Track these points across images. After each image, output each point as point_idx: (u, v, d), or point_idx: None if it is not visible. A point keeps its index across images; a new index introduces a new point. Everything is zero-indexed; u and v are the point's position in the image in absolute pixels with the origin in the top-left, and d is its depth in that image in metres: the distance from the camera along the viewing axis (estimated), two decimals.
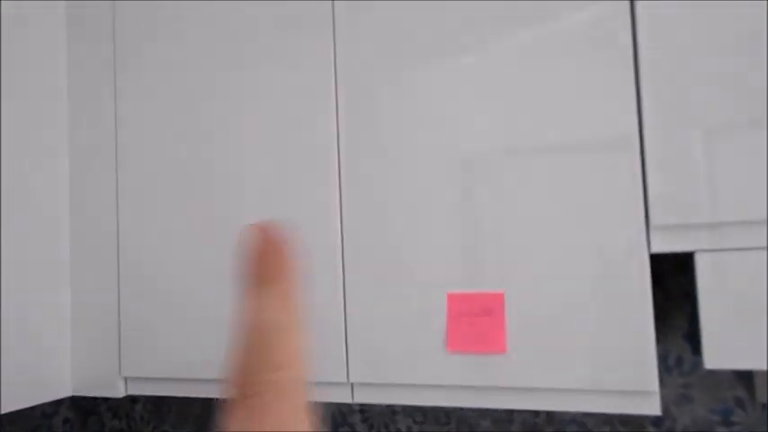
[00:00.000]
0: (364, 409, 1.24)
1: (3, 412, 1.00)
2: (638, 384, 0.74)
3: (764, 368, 0.70)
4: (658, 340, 1.04)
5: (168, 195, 1.04)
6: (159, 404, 1.44)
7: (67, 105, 1.14)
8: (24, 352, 1.03)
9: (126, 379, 1.08)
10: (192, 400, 1.41)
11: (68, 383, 1.10)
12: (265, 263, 0.23)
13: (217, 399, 1.39)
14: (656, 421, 1.04)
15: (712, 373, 1.02)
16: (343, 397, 0.91)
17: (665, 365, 1.04)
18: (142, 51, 1.08)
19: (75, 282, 1.11)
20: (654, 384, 0.74)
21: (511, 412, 1.13)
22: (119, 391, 1.07)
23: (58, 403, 1.47)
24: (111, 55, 1.11)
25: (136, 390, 1.07)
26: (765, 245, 0.71)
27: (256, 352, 0.22)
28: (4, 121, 1.01)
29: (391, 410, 1.22)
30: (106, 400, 1.50)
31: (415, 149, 0.86)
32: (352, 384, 0.91)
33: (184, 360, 1.01)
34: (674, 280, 1.05)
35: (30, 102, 1.07)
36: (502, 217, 0.81)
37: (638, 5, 0.76)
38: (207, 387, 1.02)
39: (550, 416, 1.10)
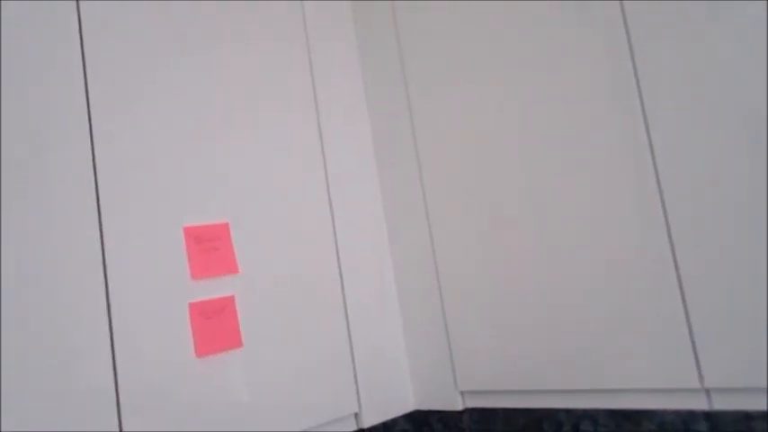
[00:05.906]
0: None
1: (365, 426, 1.13)
2: None
3: None
4: None
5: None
6: (486, 415, 1.49)
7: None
8: (375, 370, 1.16)
9: (462, 393, 1.14)
10: (517, 411, 1.43)
11: (411, 398, 1.21)
12: None
13: (542, 409, 1.38)
14: None
15: None
16: None
17: None
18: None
19: (402, 300, 1.23)
20: None
21: None
22: (457, 404, 1.14)
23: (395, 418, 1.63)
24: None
25: (472, 402, 1.12)
26: None
27: None
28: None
29: None
30: (437, 412, 1.61)
31: None
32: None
33: (513, 371, 1.03)
34: None
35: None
36: None
37: None
38: (533, 398, 1.02)
39: None
